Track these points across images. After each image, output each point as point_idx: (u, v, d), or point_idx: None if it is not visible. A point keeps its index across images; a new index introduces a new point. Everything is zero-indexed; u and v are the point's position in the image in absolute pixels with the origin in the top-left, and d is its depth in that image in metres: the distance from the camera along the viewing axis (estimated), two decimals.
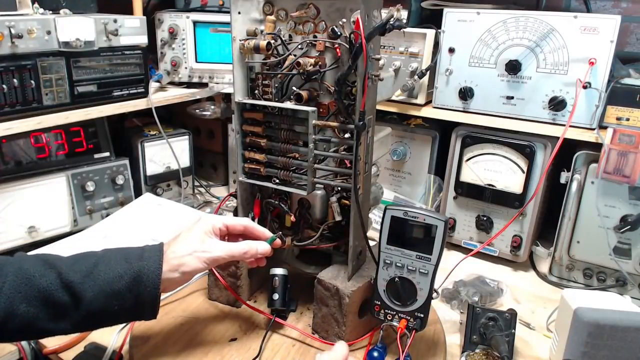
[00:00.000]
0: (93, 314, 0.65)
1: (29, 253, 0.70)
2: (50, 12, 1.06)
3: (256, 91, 0.86)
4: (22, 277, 0.62)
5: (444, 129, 1.25)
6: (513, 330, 0.82)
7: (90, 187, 1.20)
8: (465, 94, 1.12)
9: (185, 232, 0.75)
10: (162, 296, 0.92)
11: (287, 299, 0.87)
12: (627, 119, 0.99)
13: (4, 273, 0.62)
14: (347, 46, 0.74)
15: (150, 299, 0.67)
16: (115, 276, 0.65)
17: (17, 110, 1.00)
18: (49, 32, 1.01)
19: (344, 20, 0.76)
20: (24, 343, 0.85)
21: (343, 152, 0.81)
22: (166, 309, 0.91)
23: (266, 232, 0.81)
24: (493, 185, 1.14)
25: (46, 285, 0.62)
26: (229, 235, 0.80)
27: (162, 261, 0.69)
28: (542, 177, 1.07)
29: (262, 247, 0.78)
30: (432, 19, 1.18)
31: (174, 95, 1.33)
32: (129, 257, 0.68)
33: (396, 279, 0.79)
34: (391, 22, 0.70)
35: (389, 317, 0.80)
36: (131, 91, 1.21)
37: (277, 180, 0.85)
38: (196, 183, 1.51)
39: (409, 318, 0.79)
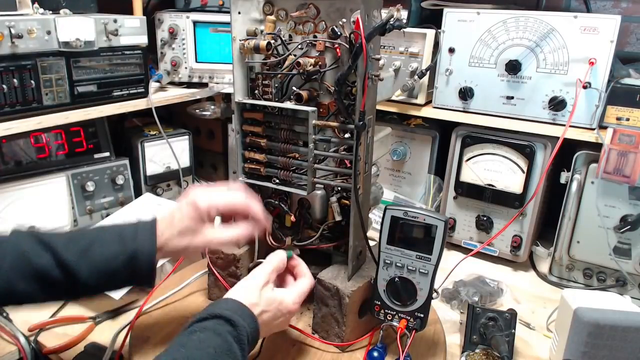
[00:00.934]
0: (89, 289, 0.68)
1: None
2: (50, 12, 1.06)
3: (256, 91, 0.86)
4: (20, 257, 0.64)
5: (444, 129, 1.25)
6: (513, 330, 0.82)
7: (90, 187, 1.20)
8: (465, 94, 1.12)
9: (178, 221, 0.72)
10: (162, 296, 0.93)
11: None
12: (627, 119, 0.99)
13: (2, 253, 0.64)
14: (347, 46, 0.74)
15: (146, 274, 0.68)
16: (110, 256, 0.66)
17: (17, 110, 1.00)
18: (49, 32, 1.01)
19: (344, 20, 0.76)
20: (24, 343, 0.85)
21: (343, 152, 0.81)
22: (166, 309, 0.91)
23: (258, 213, 0.77)
24: (493, 185, 1.14)
25: (43, 264, 0.64)
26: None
27: (155, 242, 0.68)
28: (542, 177, 1.07)
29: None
30: (432, 19, 1.18)
31: (174, 95, 1.33)
32: (123, 236, 0.68)
33: (396, 279, 0.79)
34: (391, 22, 0.70)
35: (389, 317, 0.80)
36: (131, 91, 1.21)
37: (277, 180, 0.85)
38: (196, 183, 1.51)
39: (409, 318, 0.79)
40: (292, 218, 0.89)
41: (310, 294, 0.79)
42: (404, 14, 1.17)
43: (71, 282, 0.65)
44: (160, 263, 0.99)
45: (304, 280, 0.77)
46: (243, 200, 0.75)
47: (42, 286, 0.65)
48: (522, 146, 1.09)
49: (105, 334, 0.88)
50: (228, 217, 0.78)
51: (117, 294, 0.91)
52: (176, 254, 0.74)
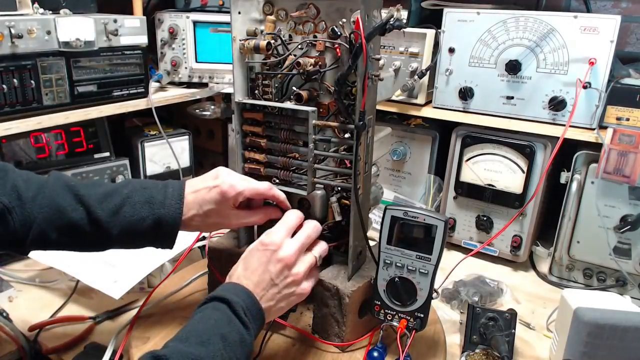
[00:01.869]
0: (116, 245, 0.74)
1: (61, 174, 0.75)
2: (50, 12, 1.06)
3: (256, 91, 0.86)
4: (55, 210, 0.69)
5: (444, 129, 1.25)
6: (513, 330, 0.82)
7: None
8: (465, 94, 1.12)
9: (205, 203, 0.75)
10: (162, 296, 0.93)
11: None
12: (627, 119, 0.99)
13: (39, 204, 0.68)
14: (347, 46, 0.74)
15: (167, 240, 0.74)
16: (139, 219, 0.71)
17: (17, 110, 1.00)
18: (49, 32, 1.01)
19: (344, 20, 0.76)
20: (24, 343, 0.85)
21: (343, 152, 0.81)
22: (166, 308, 0.91)
23: (282, 199, 0.81)
24: (493, 185, 1.14)
25: (77, 219, 0.69)
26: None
27: (180, 213, 0.73)
28: (542, 177, 1.07)
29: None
30: (432, 19, 1.18)
31: (174, 95, 1.33)
32: (152, 203, 0.72)
33: (396, 279, 0.79)
34: (391, 22, 0.70)
35: (389, 317, 0.80)
36: (131, 91, 1.21)
37: (277, 181, 0.85)
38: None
39: (409, 318, 0.79)
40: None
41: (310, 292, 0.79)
42: (404, 14, 1.17)
43: (100, 237, 0.71)
44: (160, 264, 0.99)
45: (287, 214, 0.77)
46: (267, 187, 0.79)
47: (74, 238, 0.71)
48: (522, 146, 1.09)
49: (105, 334, 0.88)
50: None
51: (117, 294, 0.91)
52: (197, 230, 0.79)
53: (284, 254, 0.71)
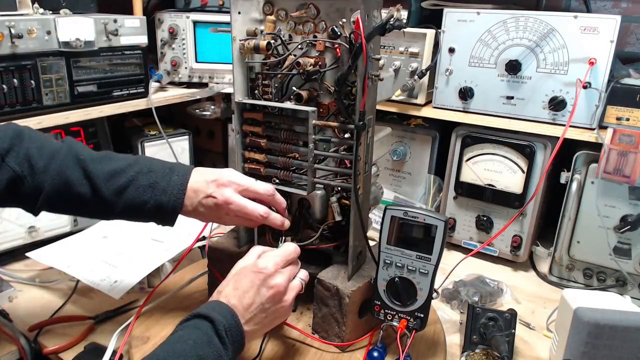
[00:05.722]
0: (119, 218, 0.77)
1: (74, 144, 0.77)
2: (50, 12, 1.06)
3: (256, 91, 0.86)
4: (63, 182, 0.72)
5: (444, 129, 1.25)
6: (513, 330, 0.82)
7: None
8: (465, 94, 1.12)
9: (199, 205, 0.77)
10: (162, 296, 0.93)
11: None
12: (627, 119, 0.99)
13: (49, 176, 0.72)
14: (347, 46, 0.74)
15: (168, 221, 0.78)
16: (141, 202, 0.75)
17: (17, 110, 1.00)
18: (49, 32, 1.01)
19: (344, 20, 0.76)
20: (24, 343, 0.85)
21: (343, 152, 0.81)
22: (166, 308, 0.91)
23: (275, 223, 0.81)
24: (493, 185, 1.14)
25: (83, 193, 0.73)
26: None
27: (181, 203, 0.76)
28: (542, 177, 1.07)
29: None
30: (432, 19, 1.18)
31: (174, 95, 1.33)
32: (156, 186, 0.75)
33: (396, 279, 0.79)
34: (391, 22, 0.70)
35: (389, 317, 0.80)
36: (131, 91, 1.21)
37: (277, 181, 0.85)
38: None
39: (409, 318, 0.79)
40: (288, 221, 0.89)
41: (309, 292, 0.79)
42: (404, 14, 1.17)
43: (104, 211, 0.75)
44: (160, 264, 0.99)
45: (287, 245, 0.78)
46: (262, 214, 0.78)
47: (79, 209, 0.76)
48: (522, 146, 1.09)
49: (105, 334, 0.88)
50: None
51: (117, 294, 0.91)
52: (196, 219, 0.81)
53: (276, 282, 0.71)
